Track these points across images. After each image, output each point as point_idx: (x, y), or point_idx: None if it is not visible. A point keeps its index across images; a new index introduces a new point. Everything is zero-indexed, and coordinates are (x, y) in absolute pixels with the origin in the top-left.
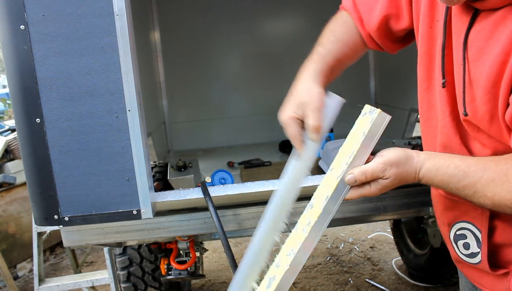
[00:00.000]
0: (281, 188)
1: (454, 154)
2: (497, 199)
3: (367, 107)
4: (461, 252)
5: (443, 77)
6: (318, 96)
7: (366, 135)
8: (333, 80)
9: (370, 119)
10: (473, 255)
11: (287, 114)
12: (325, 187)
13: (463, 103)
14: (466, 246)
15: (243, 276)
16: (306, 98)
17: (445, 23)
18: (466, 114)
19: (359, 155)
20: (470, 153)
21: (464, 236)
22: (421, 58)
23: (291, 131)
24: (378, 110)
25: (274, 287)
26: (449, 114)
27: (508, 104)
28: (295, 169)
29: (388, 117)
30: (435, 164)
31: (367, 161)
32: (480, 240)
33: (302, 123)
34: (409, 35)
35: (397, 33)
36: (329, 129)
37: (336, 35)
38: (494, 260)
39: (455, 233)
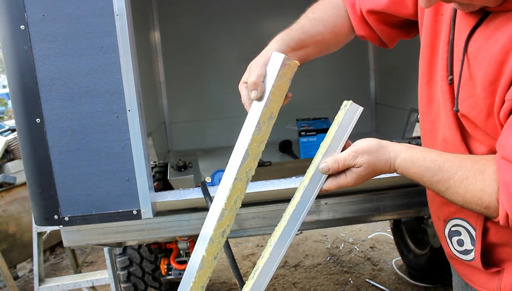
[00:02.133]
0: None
1: (449, 148)
2: (468, 196)
3: (344, 102)
4: (455, 249)
5: (450, 73)
6: (264, 55)
7: (339, 126)
8: (306, 59)
9: (344, 111)
10: (466, 252)
11: (241, 81)
12: (304, 178)
13: (456, 99)
14: (460, 242)
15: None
16: (254, 61)
17: (453, 20)
18: (457, 111)
19: (333, 145)
20: (469, 149)
21: (458, 233)
22: (423, 51)
23: (242, 96)
24: (350, 101)
25: (255, 277)
26: (451, 109)
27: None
28: (243, 134)
29: (360, 109)
30: (412, 156)
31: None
32: (474, 238)
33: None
34: (413, 28)
35: (398, 20)
36: (273, 89)
37: (314, 13)
38: (487, 258)
39: (450, 229)
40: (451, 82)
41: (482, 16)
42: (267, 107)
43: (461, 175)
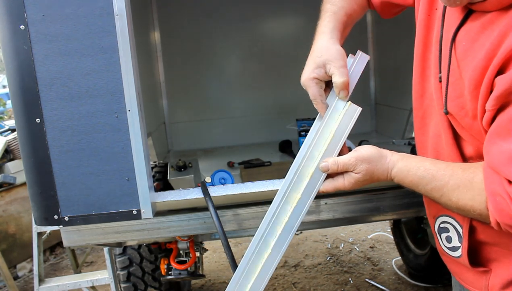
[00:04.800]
0: (302, 149)
1: (440, 150)
2: (461, 204)
3: (342, 103)
4: (444, 245)
5: (440, 71)
6: (340, 52)
7: (338, 127)
8: (346, 36)
9: (343, 112)
10: (454, 248)
11: (307, 75)
12: (304, 176)
13: (444, 100)
14: (449, 239)
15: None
16: (326, 57)
17: (443, 16)
18: (446, 113)
19: (332, 145)
20: (460, 148)
21: (447, 230)
22: (417, 45)
23: (312, 92)
24: (349, 102)
25: (257, 272)
26: (440, 105)
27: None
28: (318, 131)
29: (359, 109)
30: (407, 165)
31: (342, 153)
32: (462, 235)
33: (323, 84)
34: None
35: (397, 7)
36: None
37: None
38: (475, 256)
39: (439, 225)
40: (440, 80)
41: (466, 13)
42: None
43: (453, 184)
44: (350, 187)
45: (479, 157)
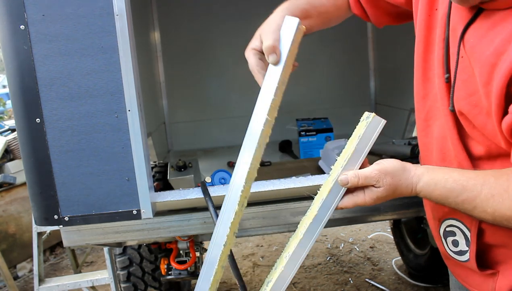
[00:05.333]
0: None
1: (452, 165)
2: (498, 215)
3: (365, 114)
4: (450, 249)
5: (447, 71)
6: (275, 22)
7: (360, 139)
8: (309, 30)
9: (366, 124)
10: (461, 253)
11: (248, 48)
12: (322, 191)
13: (451, 98)
14: (455, 243)
15: None
16: (263, 28)
17: (448, 16)
18: (452, 110)
19: (354, 158)
20: (466, 148)
21: (453, 233)
22: (418, 46)
23: (250, 63)
24: (373, 114)
25: (269, 288)
26: (445, 105)
27: (504, 112)
28: (261, 99)
29: (383, 122)
30: (434, 178)
31: (364, 166)
32: (469, 238)
33: (262, 55)
34: (402, 16)
35: (388, 7)
36: (289, 53)
37: None
38: (482, 259)
39: (445, 229)
40: (447, 81)
41: (476, 12)
42: (284, 72)
43: (486, 193)
44: (371, 202)
45: (489, 157)
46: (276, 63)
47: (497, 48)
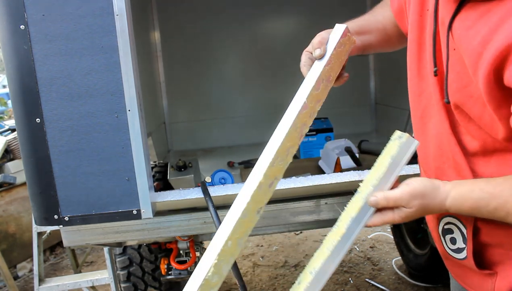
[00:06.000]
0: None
1: (467, 179)
2: None
3: (396, 133)
4: (448, 247)
5: (435, 65)
6: (327, 30)
7: (393, 160)
8: (369, 47)
9: (398, 144)
10: (459, 250)
11: (304, 51)
12: (351, 208)
13: (445, 91)
14: (453, 240)
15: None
16: (318, 34)
17: (435, 11)
18: (448, 102)
19: (385, 179)
20: (459, 142)
21: (451, 231)
22: (411, 46)
23: (301, 62)
24: (406, 135)
25: None
26: (439, 101)
27: (511, 114)
28: (302, 88)
29: (416, 143)
30: (460, 191)
31: (394, 185)
32: (466, 236)
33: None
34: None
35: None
36: (334, 51)
37: (375, 7)
38: (480, 259)
39: (443, 227)
40: (435, 74)
41: (460, 3)
42: (327, 67)
43: None
44: (400, 220)
45: (484, 153)
46: (320, 57)
47: (484, 38)
